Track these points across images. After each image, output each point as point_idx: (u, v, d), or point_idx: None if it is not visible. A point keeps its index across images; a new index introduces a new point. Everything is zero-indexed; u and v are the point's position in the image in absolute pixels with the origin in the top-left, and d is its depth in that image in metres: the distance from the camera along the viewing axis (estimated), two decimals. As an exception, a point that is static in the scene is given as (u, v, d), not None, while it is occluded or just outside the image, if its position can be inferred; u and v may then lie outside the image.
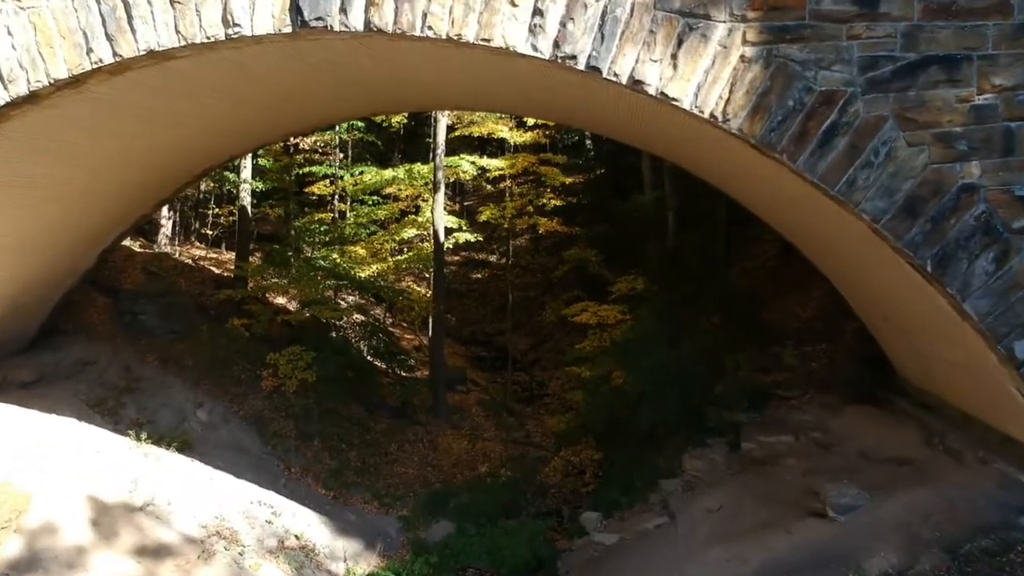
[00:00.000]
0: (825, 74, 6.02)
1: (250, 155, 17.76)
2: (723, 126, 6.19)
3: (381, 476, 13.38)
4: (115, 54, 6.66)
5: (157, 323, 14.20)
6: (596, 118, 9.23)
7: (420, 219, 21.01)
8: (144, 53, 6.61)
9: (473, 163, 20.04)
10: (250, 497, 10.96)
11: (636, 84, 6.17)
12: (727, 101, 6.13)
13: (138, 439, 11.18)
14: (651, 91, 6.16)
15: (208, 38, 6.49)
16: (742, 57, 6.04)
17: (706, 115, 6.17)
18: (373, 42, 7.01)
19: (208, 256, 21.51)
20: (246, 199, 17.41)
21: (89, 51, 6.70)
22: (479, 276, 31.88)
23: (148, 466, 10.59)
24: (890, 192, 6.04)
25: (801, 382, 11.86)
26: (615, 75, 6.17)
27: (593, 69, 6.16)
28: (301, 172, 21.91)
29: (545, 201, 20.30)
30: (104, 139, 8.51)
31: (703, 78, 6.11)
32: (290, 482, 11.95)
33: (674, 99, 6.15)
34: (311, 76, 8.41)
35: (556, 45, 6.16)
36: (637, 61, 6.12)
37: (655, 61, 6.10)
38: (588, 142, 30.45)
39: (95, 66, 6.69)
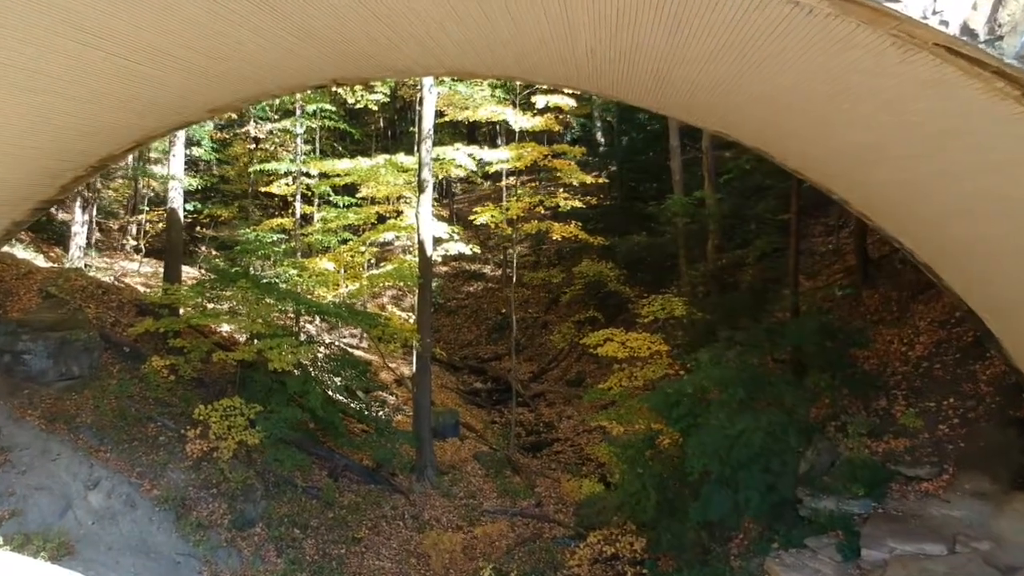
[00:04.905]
0: None
1: (182, 144, 14.81)
2: (981, 53, 3.37)
3: (347, 577, 10.43)
4: None
5: (47, 365, 11.24)
6: (675, 83, 6.41)
7: (401, 224, 18.10)
8: None
9: (471, 155, 17.04)
10: (152, 630, 8.04)
11: (816, -30, 3.35)
12: (995, 5, 3.31)
13: (-9, 544, 8.27)
14: (845, -16, 3.35)
15: None
16: (1028, -84, 3.25)
17: (952, 29, 3.35)
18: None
19: (141, 271, 18.53)
20: (177, 200, 14.35)
21: None
22: (472, 289, 29.06)
23: (-1, 590, 7.64)
24: None
25: (932, 454, 9.05)
26: (776, -49, 3.35)
27: (733, -61, 3.35)
28: (255, 169, 18.98)
29: (559, 202, 17.34)
30: None
31: (949, -42, 3.31)
32: (215, 599, 9.01)
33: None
34: (235, 10, 5.57)
35: None
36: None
37: (856, -77, 3.30)
38: (600, 135, 27.88)
39: None
